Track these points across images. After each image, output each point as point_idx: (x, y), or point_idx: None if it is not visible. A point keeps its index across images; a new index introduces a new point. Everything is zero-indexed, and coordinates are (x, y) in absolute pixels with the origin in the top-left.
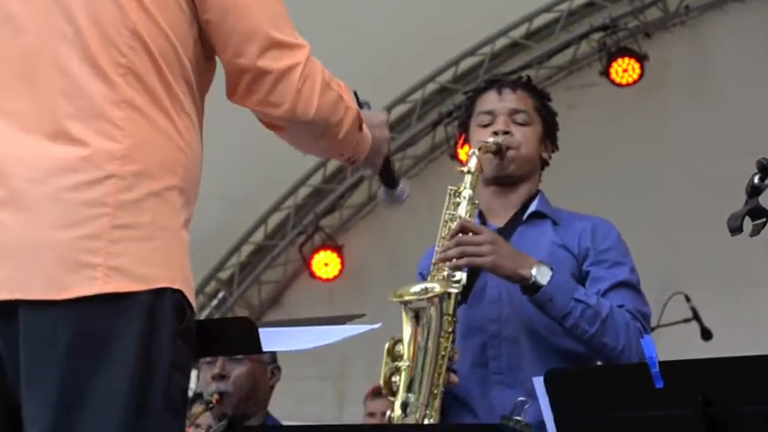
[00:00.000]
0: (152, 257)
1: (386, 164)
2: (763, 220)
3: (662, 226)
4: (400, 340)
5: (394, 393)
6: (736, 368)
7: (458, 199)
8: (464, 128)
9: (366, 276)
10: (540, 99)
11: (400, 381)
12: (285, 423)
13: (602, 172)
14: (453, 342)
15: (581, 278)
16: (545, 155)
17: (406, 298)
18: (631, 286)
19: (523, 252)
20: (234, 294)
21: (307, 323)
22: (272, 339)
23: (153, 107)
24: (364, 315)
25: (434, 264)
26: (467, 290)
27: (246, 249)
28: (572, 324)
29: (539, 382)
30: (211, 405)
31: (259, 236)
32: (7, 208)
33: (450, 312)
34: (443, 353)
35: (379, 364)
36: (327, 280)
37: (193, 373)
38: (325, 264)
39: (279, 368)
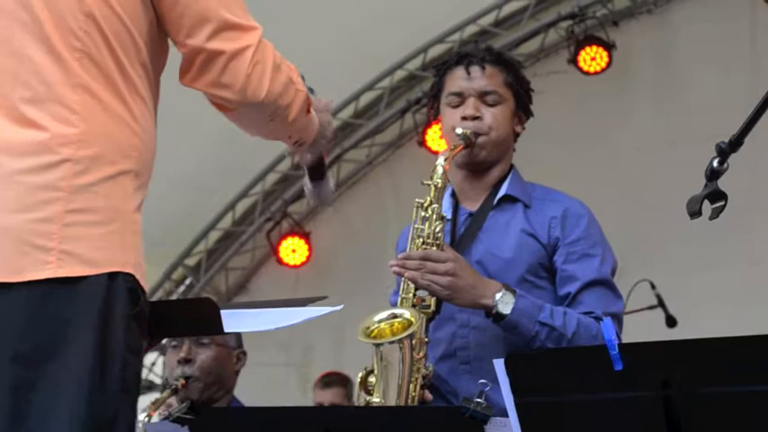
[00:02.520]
0: (105, 242)
1: (319, 156)
2: (722, 203)
3: (624, 211)
4: (372, 371)
5: None
6: (695, 350)
7: (425, 213)
8: (434, 102)
9: (333, 263)
10: (511, 71)
11: None
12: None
13: (566, 159)
14: (426, 360)
15: (551, 269)
16: (518, 128)
17: (375, 335)
18: (602, 283)
19: (495, 240)
20: (201, 280)
21: (269, 305)
22: (235, 321)
23: (108, 92)
24: (327, 297)
25: (403, 283)
26: (438, 305)
27: (214, 236)
28: (538, 346)
29: (499, 365)
30: (176, 389)
31: (227, 222)
32: None
33: (422, 335)
34: (416, 375)
35: (343, 351)
36: (295, 266)
37: (160, 359)
38: (293, 250)
39: (245, 353)
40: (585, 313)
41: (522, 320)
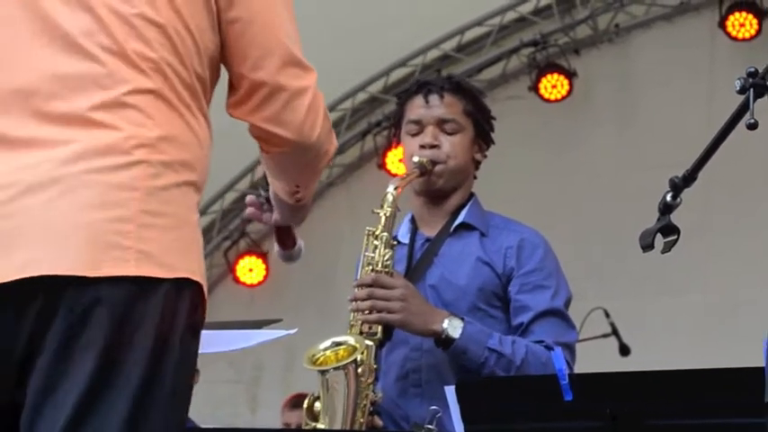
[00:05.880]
0: (177, 247)
1: (289, 229)
2: (675, 237)
3: (580, 239)
4: (318, 397)
5: None
6: (644, 382)
7: (375, 241)
8: (395, 130)
9: (288, 283)
10: (471, 100)
11: None
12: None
13: (523, 184)
14: (375, 387)
15: (505, 299)
16: (478, 156)
17: (321, 363)
18: (554, 313)
19: (450, 266)
20: None
21: (224, 326)
22: None
23: (179, 102)
24: (281, 320)
25: (351, 311)
26: (387, 331)
27: None
28: (488, 373)
29: (450, 392)
30: None
31: None
32: (39, 190)
33: (371, 362)
34: (364, 402)
35: (293, 371)
36: (251, 285)
37: None
38: (250, 269)
39: (198, 370)
40: (537, 342)
41: (471, 346)
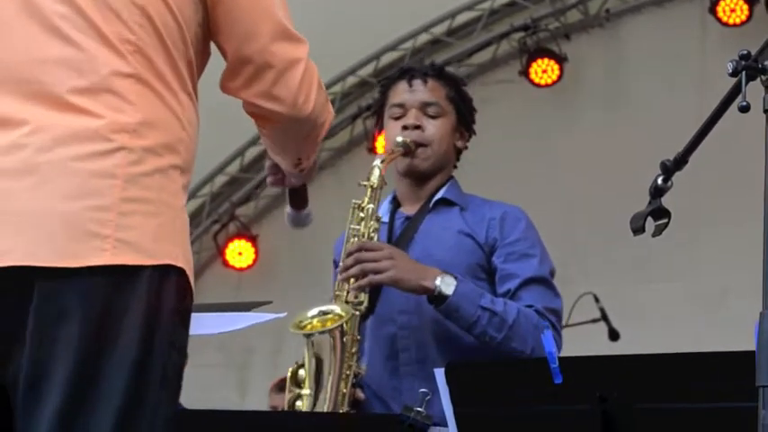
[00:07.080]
0: (159, 233)
1: (303, 185)
2: (665, 220)
3: (569, 223)
4: (303, 365)
5: None
6: (632, 366)
7: (361, 213)
8: (378, 117)
9: (278, 267)
10: (454, 86)
11: (303, 407)
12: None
13: (512, 168)
14: (359, 359)
15: (489, 270)
16: (460, 143)
17: (308, 330)
18: (541, 281)
19: (432, 241)
20: None
21: (213, 309)
22: None
23: (160, 84)
24: (271, 302)
25: (338, 281)
26: (372, 302)
27: None
28: (479, 332)
29: (440, 375)
30: None
31: None
32: (16, 176)
33: (355, 332)
34: (347, 372)
35: (282, 355)
36: (241, 269)
37: None
38: (239, 253)
39: (186, 355)
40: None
41: (464, 304)
